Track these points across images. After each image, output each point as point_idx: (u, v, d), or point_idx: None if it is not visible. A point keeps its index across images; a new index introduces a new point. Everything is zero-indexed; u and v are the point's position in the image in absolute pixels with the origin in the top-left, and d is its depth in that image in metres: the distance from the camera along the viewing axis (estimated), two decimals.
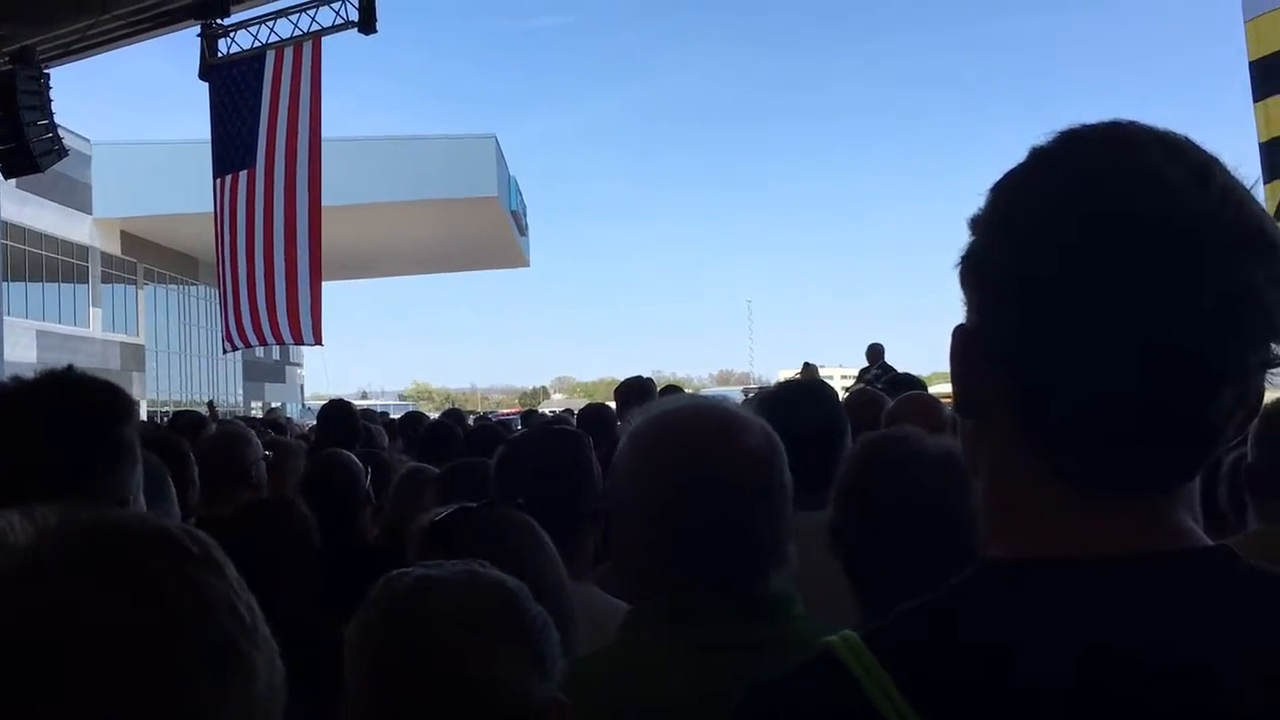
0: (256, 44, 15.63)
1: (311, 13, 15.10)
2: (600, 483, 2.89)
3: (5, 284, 22.88)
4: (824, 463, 3.28)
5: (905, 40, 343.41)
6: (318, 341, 15.99)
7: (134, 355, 41.77)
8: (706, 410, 1.94)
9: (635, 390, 7.14)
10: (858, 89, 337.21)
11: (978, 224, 1.10)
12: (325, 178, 15.49)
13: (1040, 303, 1.03)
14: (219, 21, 15.85)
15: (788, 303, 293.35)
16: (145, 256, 41.85)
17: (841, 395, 5.73)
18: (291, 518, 3.78)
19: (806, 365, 18.30)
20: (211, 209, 16.37)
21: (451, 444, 6.77)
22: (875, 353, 15.77)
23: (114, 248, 39.47)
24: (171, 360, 45.70)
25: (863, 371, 15.67)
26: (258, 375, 53.56)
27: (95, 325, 39.02)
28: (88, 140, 34.68)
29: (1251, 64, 7.45)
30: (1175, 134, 1.07)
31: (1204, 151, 1.06)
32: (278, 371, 57.77)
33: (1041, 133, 1.10)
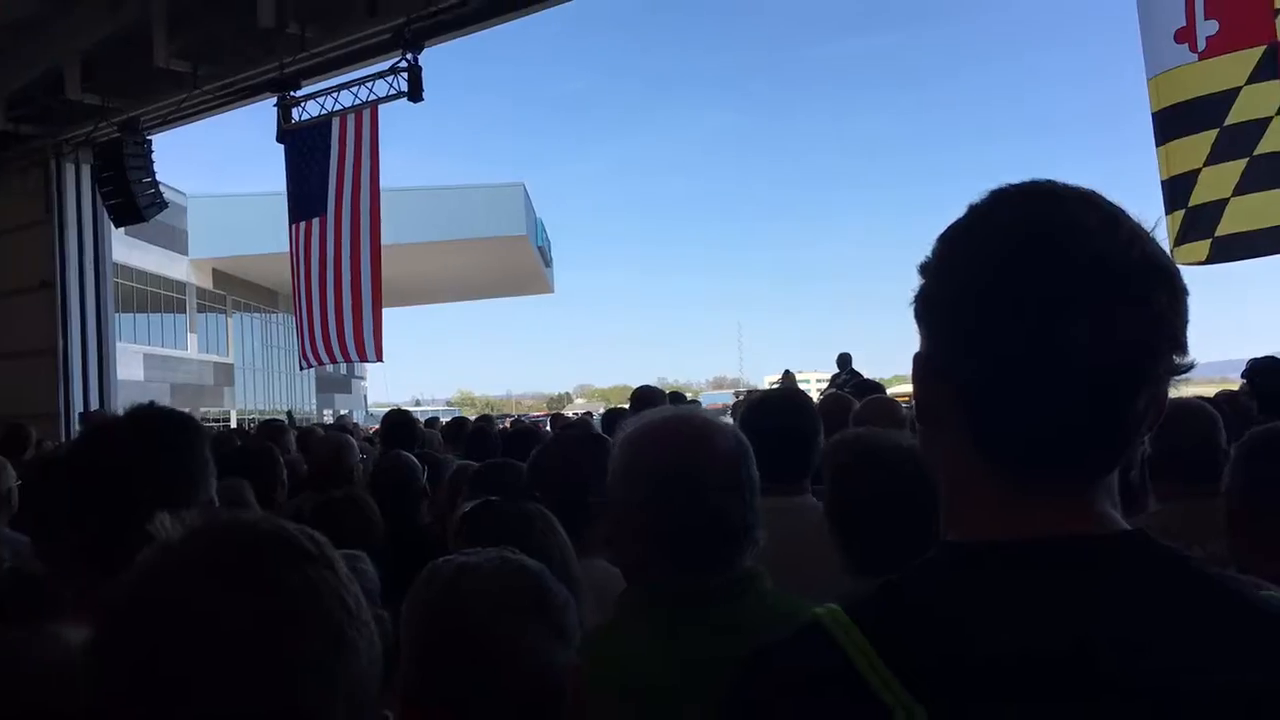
0: (323, 112, 15.70)
1: (369, 85, 15.16)
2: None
3: (118, 315, 22.90)
4: (800, 456, 3.29)
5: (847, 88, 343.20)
6: (379, 358, 16.02)
7: (225, 373, 41.82)
8: (681, 417, 1.96)
9: (645, 398, 7.15)
10: (817, 146, 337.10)
11: (926, 269, 1.12)
12: (383, 221, 15.56)
13: (976, 332, 1.05)
14: (292, 93, 15.94)
15: (772, 318, 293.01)
16: (233, 290, 41.93)
17: (816, 398, 5.74)
18: (360, 509, 3.81)
19: (786, 373, 18.31)
20: (288, 249, 16.42)
21: (488, 443, 6.81)
22: (844, 360, 15.73)
23: (207, 283, 39.55)
24: (256, 376, 45.73)
25: (834, 377, 15.62)
26: (328, 387, 53.59)
27: (192, 348, 39.08)
28: (183, 193, 34.77)
29: (1154, 114, 7.53)
30: (1087, 189, 1.09)
31: (1112, 203, 1.07)
32: (345, 384, 57.80)
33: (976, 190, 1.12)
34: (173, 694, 0.85)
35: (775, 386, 17.09)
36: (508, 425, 13.51)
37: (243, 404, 42.24)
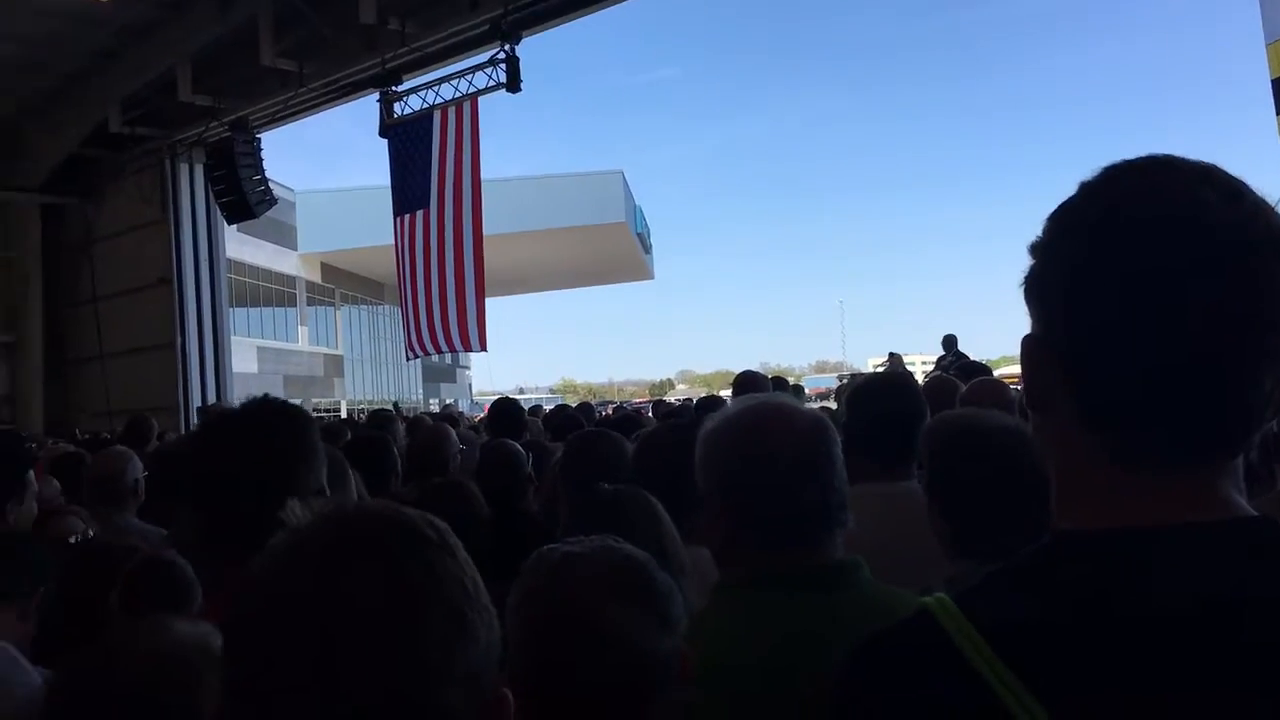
0: (425, 105, 15.97)
1: (469, 78, 15.37)
2: None
3: (231, 310, 23.66)
4: (904, 441, 3.25)
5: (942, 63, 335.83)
6: (483, 348, 16.27)
7: (334, 364, 42.88)
8: (763, 403, 1.98)
9: (746, 384, 7.13)
10: (909, 121, 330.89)
11: (1035, 249, 1.10)
12: (484, 212, 15.77)
13: (1086, 307, 1.02)
14: (394, 89, 16.23)
15: (874, 300, 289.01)
16: (341, 283, 42.94)
17: (921, 380, 5.64)
18: (465, 496, 3.88)
19: (892, 355, 17.99)
20: (393, 242, 16.76)
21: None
22: (949, 342, 15.48)
23: (315, 277, 40.57)
24: (364, 367, 46.81)
25: (939, 359, 15.39)
26: (434, 377, 54.59)
27: (303, 340, 40.15)
28: (292, 190, 35.69)
29: (1274, 81, 7.18)
30: (1207, 163, 1.05)
31: (1234, 176, 1.04)
32: (450, 373, 58.81)
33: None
34: (299, 679, 0.89)
35: (880, 370, 16.89)
36: (609, 412, 13.60)
37: (352, 394, 43.27)
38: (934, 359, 16.63)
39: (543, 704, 1.46)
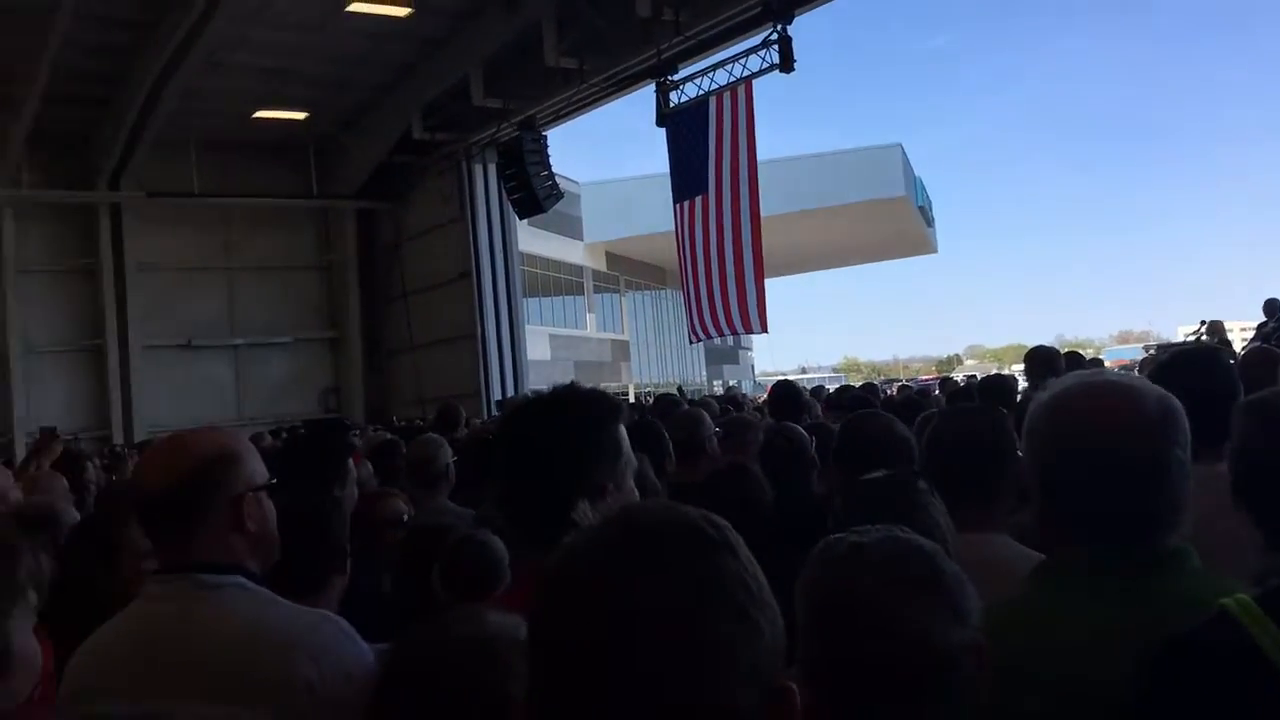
0: (700, 93, 16.18)
1: (742, 62, 15.45)
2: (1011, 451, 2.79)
3: (525, 300, 24.90)
4: (1214, 422, 3.01)
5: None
6: (764, 329, 16.36)
7: (621, 349, 44.24)
8: (1104, 385, 1.82)
9: (1041, 359, 6.82)
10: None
11: None
12: (761, 194, 15.84)
13: None
14: (670, 78, 16.54)
15: (1186, 259, 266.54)
16: (625, 270, 44.22)
17: (1239, 350, 5.20)
18: (748, 481, 3.92)
19: (1209, 323, 16.32)
20: (673, 228, 17.10)
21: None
22: (1272, 307, 13.98)
23: (600, 265, 41.97)
24: (649, 351, 48.01)
25: (1260, 326, 13.99)
26: (717, 359, 55.25)
27: (591, 327, 41.65)
28: (576, 182, 37.02)
29: None
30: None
31: None
32: (732, 355, 59.34)
33: None
34: (593, 680, 0.94)
35: (1192, 339, 15.61)
36: (894, 391, 13.33)
37: (638, 378, 44.51)
38: (1255, 326, 15.17)
39: (831, 696, 1.48)
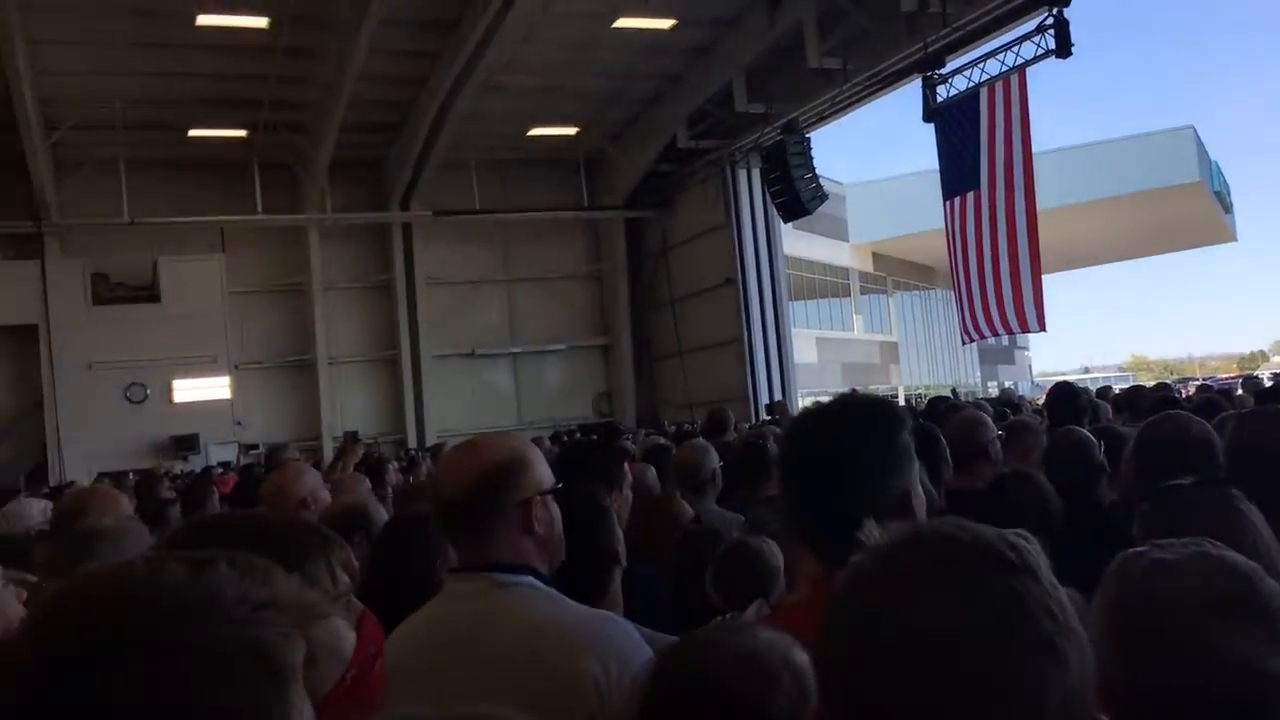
0: (970, 85, 15.61)
1: (1015, 50, 14.79)
2: None
3: (790, 303, 24.83)
4: None
5: None
6: (1041, 328, 15.59)
7: (889, 351, 43.29)
8: None
9: None
10: None
11: None
12: (1037, 186, 15.12)
13: None
14: (937, 72, 16.06)
15: None
16: (892, 270, 43.27)
17: None
18: (1034, 489, 3.74)
19: None
20: (943, 226, 16.59)
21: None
22: None
23: (867, 266, 41.24)
24: (919, 352, 46.73)
25: None
26: (991, 359, 53.11)
27: (858, 329, 41.00)
28: (840, 183, 36.56)
29: None
30: None
31: None
32: (1008, 355, 56.89)
33: None
34: (881, 707, 0.91)
35: None
36: (1190, 392, 12.38)
37: (908, 380, 43.43)
38: None
39: None
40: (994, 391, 38.34)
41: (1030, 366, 62.94)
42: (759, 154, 20.69)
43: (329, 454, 18.61)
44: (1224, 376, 37.54)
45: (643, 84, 21.27)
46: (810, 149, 19.14)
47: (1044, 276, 15.38)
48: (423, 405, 24.04)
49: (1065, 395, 7.02)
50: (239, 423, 21.39)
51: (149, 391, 21.05)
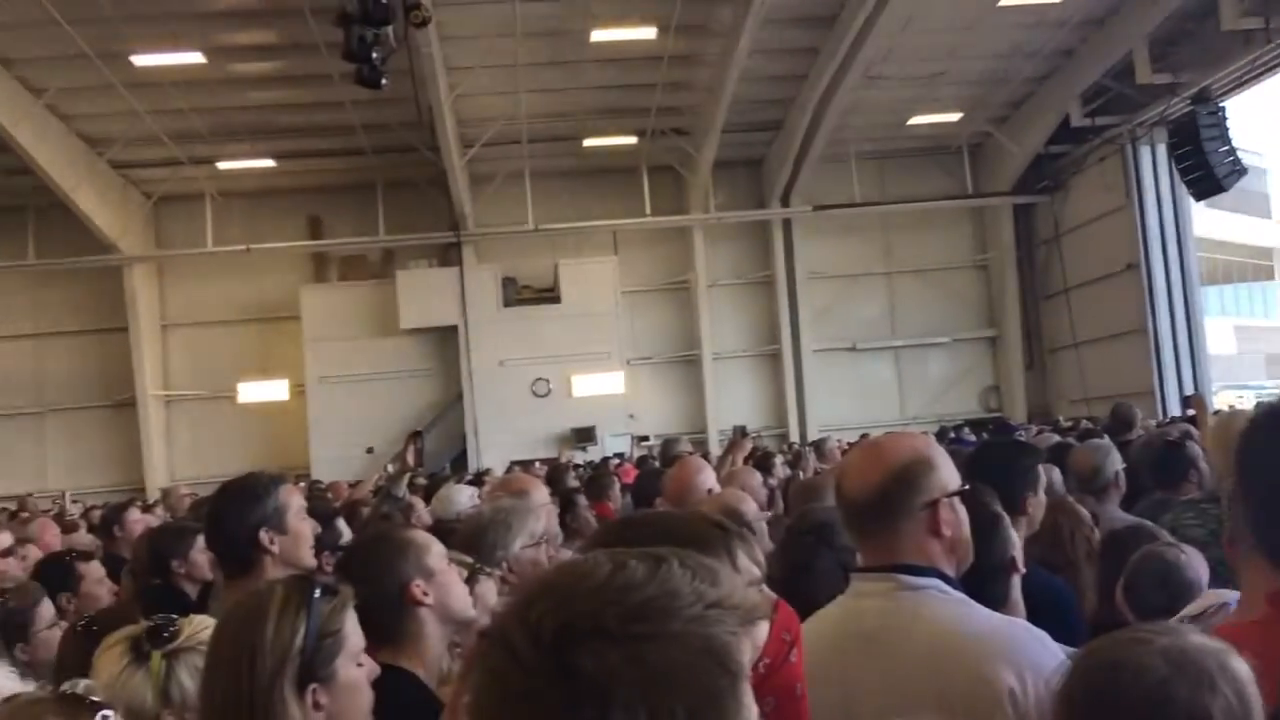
0: None
1: None
2: None
3: (1202, 289, 22.75)
4: None
5: None
6: None
7: None
8: None
9: None
10: None
11: None
12: None
13: None
14: None
15: None
16: None
17: None
18: None
19: None
20: None
21: None
22: None
23: None
24: None
25: None
26: None
27: None
28: (1260, 155, 33.01)
29: None
30: None
31: None
32: None
33: None
34: None
35: None
36: None
37: None
38: None
39: None
40: None
41: None
42: (1165, 128, 19.08)
43: (714, 447, 19.24)
44: None
45: (1031, 62, 20.24)
46: (1226, 119, 17.42)
47: None
48: (804, 399, 24.25)
49: None
50: (631, 416, 22.55)
51: (551, 386, 22.69)
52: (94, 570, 4.79)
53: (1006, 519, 2.68)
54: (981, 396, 25.28)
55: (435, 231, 23.03)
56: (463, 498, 5.80)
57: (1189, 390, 19.26)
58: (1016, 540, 2.67)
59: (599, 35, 17.41)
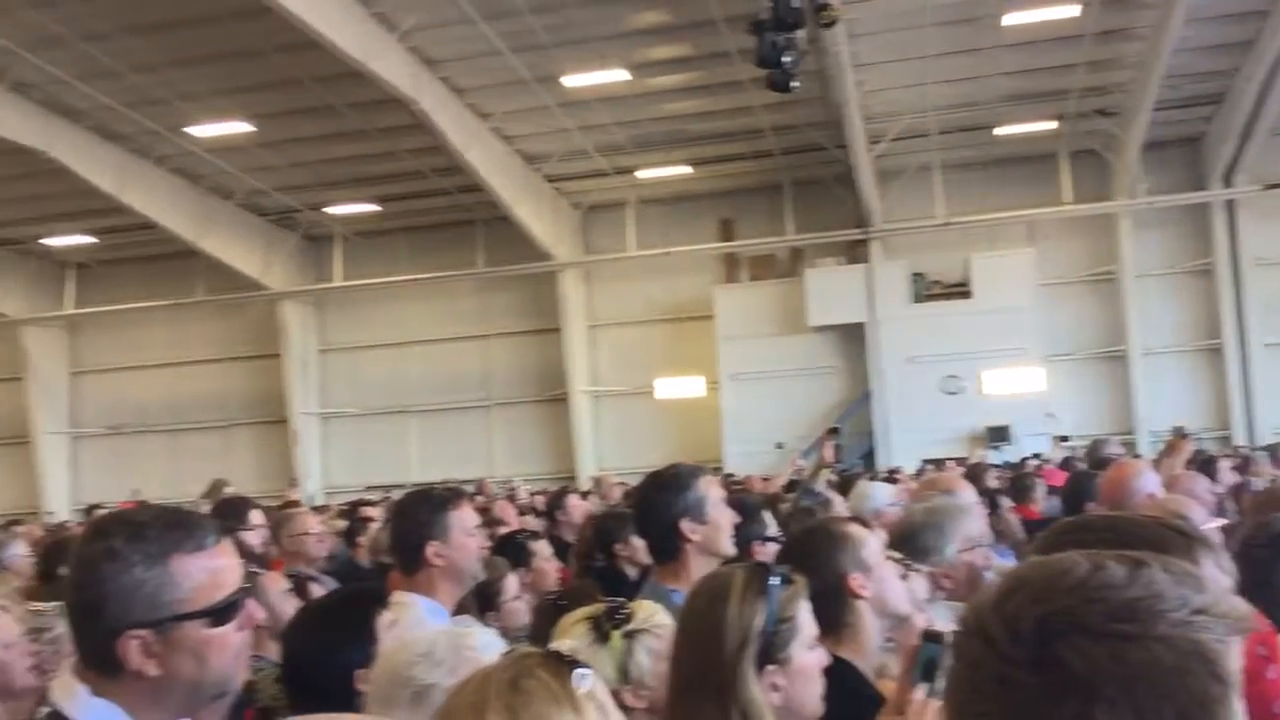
0: None
1: None
2: None
3: None
4: None
5: None
6: None
7: None
8: None
9: None
10: None
11: None
12: None
13: None
14: None
15: None
16: None
17: None
18: None
19: None
20: None
21: None
22: None
23: None
24: None
25: None
26: None
27: None
28: None
29: None
30: None
31: None
32: None
33: None
34: None
35: None
36: None
37: None
38: None
39: None
40: None
41: None
42: None
43: (1144, 450, 17.87)
44: None
45: None
46: None
47: None
48: (1251, 398, 21.92)
49: None
50: (1050, 415, 21.46)
51: (963, 383, 22.07)
52: (543, 549, 5.34)
53: None
54: None
55: (843, 229, 23.12)
56: (881, 495, 5.83)
57: None
58: None
59: (1012, 19, 16.74)
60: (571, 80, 18.28)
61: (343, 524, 7.81)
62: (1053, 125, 21.34)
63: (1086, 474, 6.49)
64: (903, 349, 22.29)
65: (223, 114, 18.94)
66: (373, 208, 24.20)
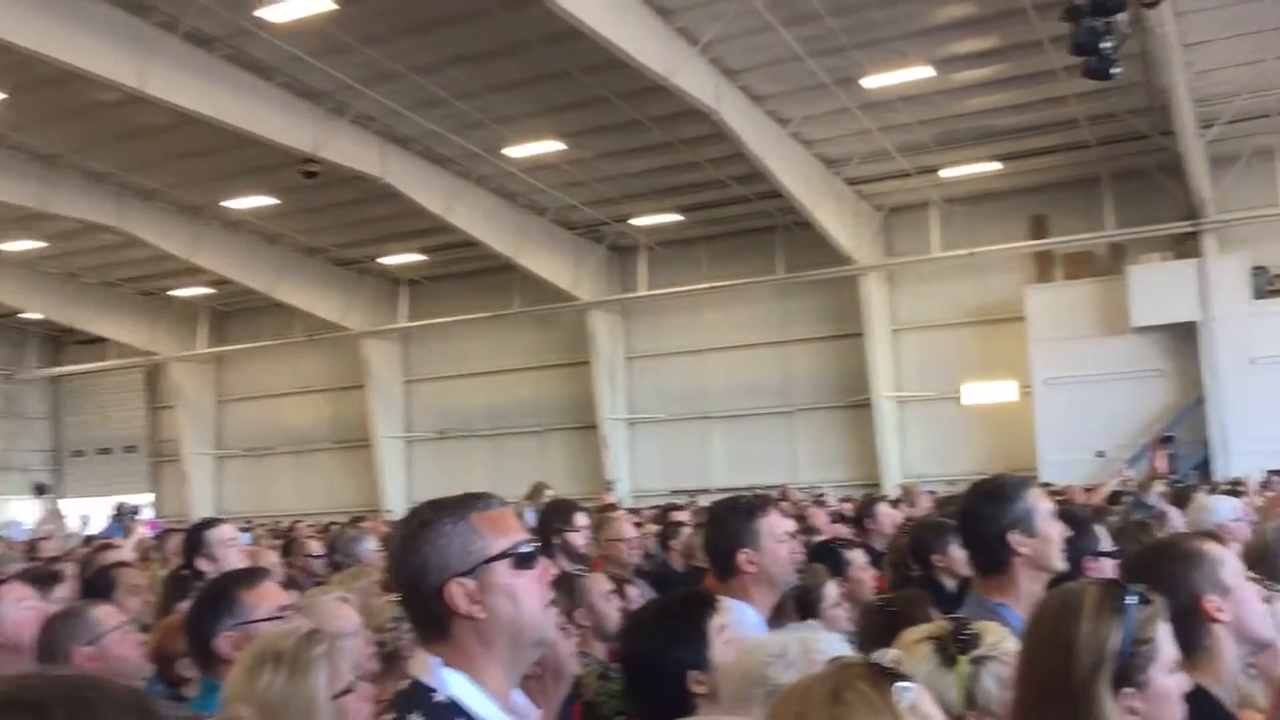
0: None
1: None
2: None
3: None
4: None
5: None
6: None
7: None
8: None
9: None
10: None
11: None
12: None
13: None
14: None
15: None
16: None
17: None
18: None
19: None
20: None
21: None
22: None
23: None
24: None
25: None
26: None
27: None
28: None
29: None
30: None
31: None
32: None
33: None
34: None
35: None
36: None
37: None
38: None
39: None
40: None
41: None
42: None
43: None
44: None
45: None
46: None
47: None
48: None
49: None
50: None
51: None
52: (858, 557, 5.30)
53: None
54: None
55: (1170, 221, 21.44)
56: (1225, 509, 5.44)
57: None
58: None
59: None
60: (871, 81, 17.98)
61: (656, 528, 8.04)
62: None
63: None
64: (1243, 349, 20.43)
65: (536, 134, 19.96)
66: (675, 218, 24.76)
